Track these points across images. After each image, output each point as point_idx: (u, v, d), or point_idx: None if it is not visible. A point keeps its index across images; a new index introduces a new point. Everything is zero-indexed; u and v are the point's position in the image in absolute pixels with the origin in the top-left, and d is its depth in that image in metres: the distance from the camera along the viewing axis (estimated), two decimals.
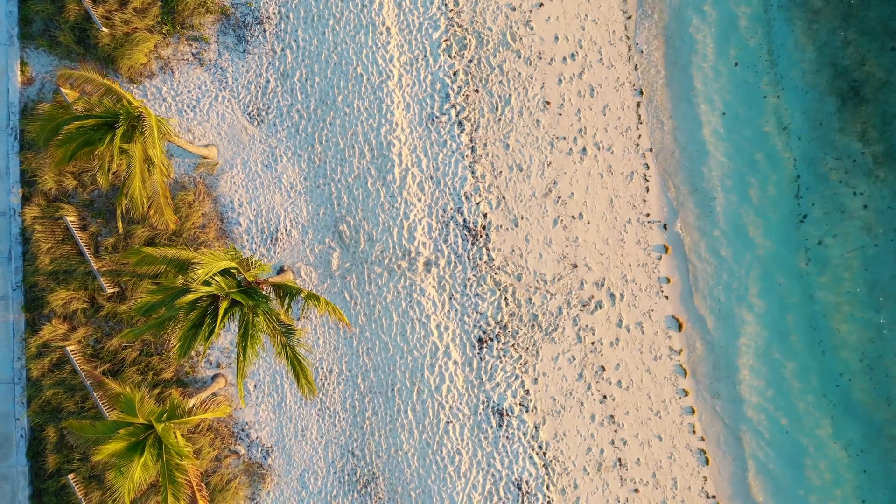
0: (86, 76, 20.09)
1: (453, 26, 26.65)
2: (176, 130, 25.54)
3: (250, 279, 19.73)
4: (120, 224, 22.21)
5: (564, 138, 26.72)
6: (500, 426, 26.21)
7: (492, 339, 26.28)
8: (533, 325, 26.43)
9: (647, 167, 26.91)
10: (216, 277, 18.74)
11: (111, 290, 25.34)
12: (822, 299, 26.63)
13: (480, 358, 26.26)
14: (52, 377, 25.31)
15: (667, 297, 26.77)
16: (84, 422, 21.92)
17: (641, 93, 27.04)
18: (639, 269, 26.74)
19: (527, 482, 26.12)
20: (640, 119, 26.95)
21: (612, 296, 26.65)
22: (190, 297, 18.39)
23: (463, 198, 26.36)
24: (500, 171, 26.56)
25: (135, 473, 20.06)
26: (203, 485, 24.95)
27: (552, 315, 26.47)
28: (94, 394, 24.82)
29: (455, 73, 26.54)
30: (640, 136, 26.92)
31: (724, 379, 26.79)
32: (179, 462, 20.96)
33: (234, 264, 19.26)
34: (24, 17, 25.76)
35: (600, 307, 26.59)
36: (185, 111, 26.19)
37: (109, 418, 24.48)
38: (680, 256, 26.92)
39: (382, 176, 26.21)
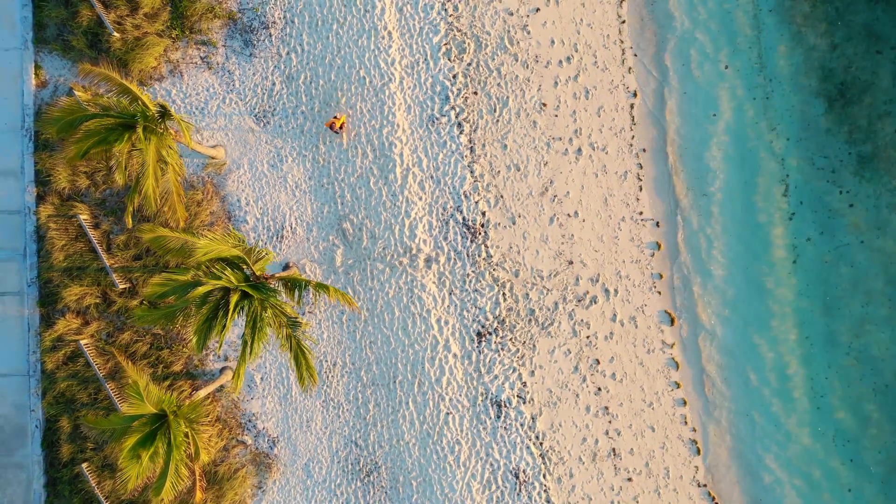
0: (106, 74, 20.92)
1: (453, 30, 27.52)
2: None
3: (258, 273, 20.62)
4: (129, 220, 22.90)
5: (560, 139, 27.60)
6: (499, 417, 27.10)
7: (490, 333, 27.17)
8: (530, 320, 27.31)
9: (641, 167, 27.79)
10: (226, 271, 19.63)
11: (123, 286, 26.23)
12: (810, 294, 27.48)
13: (479, 351, 27.15)
14: (65, 370, 26.20)
15: (659, 293, 27.65)
16: (99, 415, 22.77)
17: (635, 95, 27.92)
18: (632, 266, 27.62)
19: (524, 471, 27.01)
20: (633, 120, 27.83)
21: (607, 291, 27.54)
22: (201, 290, 19.25)
23: (462, 196, 27.24)
24: (499, 171, 27.45)
25: (145, 460, 20.93)
26: (203, 476, 25.74)
27: (548, 310, 27.36)
28: (107, 385, 25.73)
29: (454, 76, 27.42)
30: (633, 136, 27.80)
31: (711, 368, 27.66)
32: (186, 453, 21.81)
33: (238, 252, 20.07)
34: (39, 22, 26.64)
35: (595, 302, 27.47)
36: (194, 113, 27.07)
37: (121, 409, 25.39)
38: (670, 255, 27.77)
39: (384, 175, 27.09)
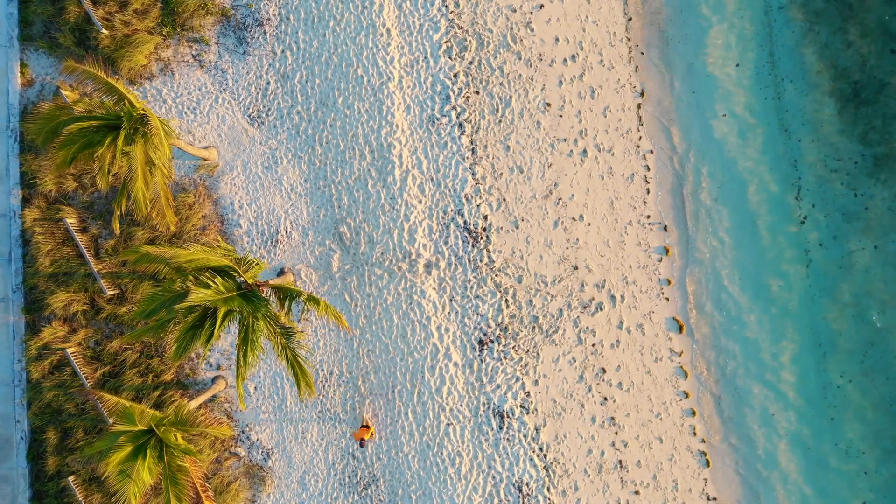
0: (91, 72, 20.00)
1: (454, 28, 26.64)
2: (176, 132, 25.51)
3: (250, 281, 19.69)
4: (117, 226, 22.06)
5: (565, 140, 26.71)
6: (501, 428, 26.21)
7: (492, 341, 26.28)
8: (533, 327, 26.42)
9: (648, 169, 26.90)
10: (216, 280, 18.69)
11: (111, 292, 25.33)
12: (823, 301, 26.60)
13: (481, 360, 26.25)
14: (52, 379, 25.31)
15: (667, 299, 26.76)
16: (86, 447, 21.95)
17: (642, 94, 27.02)
18: (639, 271, 26.72)
19: (527, 484, 26.11)
20: (640, 121, 26.93)
21: (613, 297, 26.64)
22: (185, 304, 18.23)
23: (463, 200, 26.35)
24: (501, 173, 26.56)
25: (141, 475, 20.02)
26: (207, 486, 24.95)
27: (553, 317, 26.46)
28: (96, 399, 24.79)
29: (455, 75, 26.53)
30: (640, 137, 26.90)
31: (721, 379, 26.79)
32: (181, 464, 20.96)
33: (227, 262, 19.16)
34: (25, 18, 25.75)
35: (601, 309, 26.58)
36: (186, 113, 26.17)
37: (110, 421, 24.49)
38: (678, 260, 26.89)
39: (383, 178, 26.20)
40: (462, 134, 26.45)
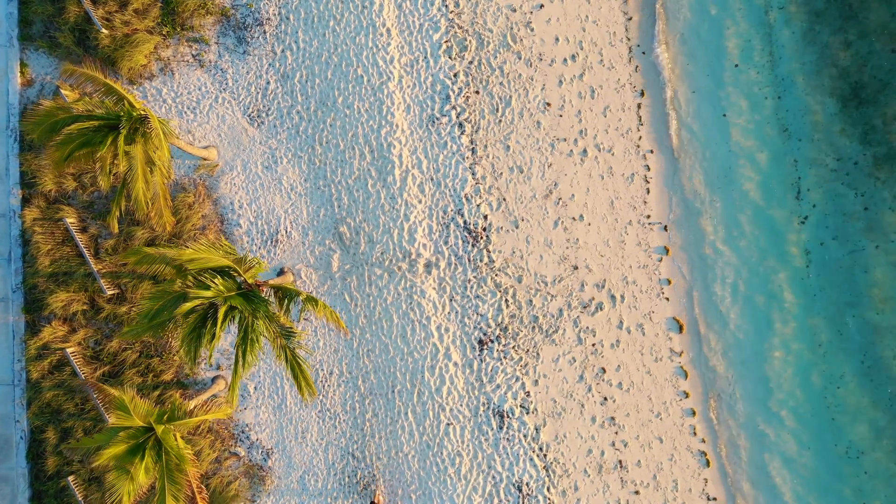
0: (89, 74, 20.00)
1: (454, 27, 26.63)
2: (176, 132, 25.51)
3: (250, 280, 19.67)
4: (115, 224, 22.00)
5: (565, 140, 26.70)
6: (501, 428, 26.18)
7: (492, 341, 26.25)
8: (533, 327, 26.39)
9: (648, 168, 26.88)
10: (216, 280, 18.67)
11: (111, 292, 25.31)
12: (823, 301, 26.57)
13: (481, 360, 26.23)
14: (51, 379, 25.29)
15: (667, 299, 26.73)
16: (84, 438, 21.87)
17: (642, 94, 27.00)
18: (639, 271, 26.70)
19: (527, 484, 26.09)
20: (640, 120, 26.91)
21: (613, 297, 26.62)
22: (188, 305, 18.27)
23: (463, 199, 26.33)
24: (501, 173, 26.54)
25: (137, 475, 19.97)
26: (203, 487, 24.89)
27: (553, 317, 26.44)
28: (94, 396, 24.79)
29: (455, 75, 26.52)
30: (640, 137, 26.88)
31: (721, 380, 26.76)
32: (179, 464, 20.89)
33: (229, 262, 19.15)
34: (25, 18, 25.75)
35: (601, 309, 26.55)
36: (185, 112, 26.16)
37: (109, 420, 24.46)
38: (679, 259, 26.86)
39: (383, 177, 26.18)
40: (462, 134, 26.44)
